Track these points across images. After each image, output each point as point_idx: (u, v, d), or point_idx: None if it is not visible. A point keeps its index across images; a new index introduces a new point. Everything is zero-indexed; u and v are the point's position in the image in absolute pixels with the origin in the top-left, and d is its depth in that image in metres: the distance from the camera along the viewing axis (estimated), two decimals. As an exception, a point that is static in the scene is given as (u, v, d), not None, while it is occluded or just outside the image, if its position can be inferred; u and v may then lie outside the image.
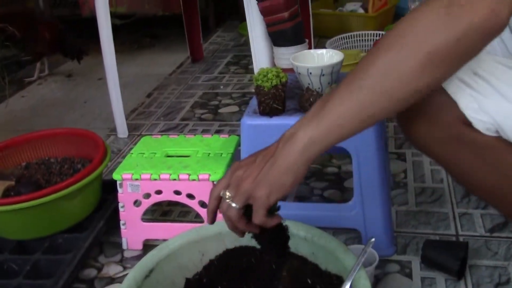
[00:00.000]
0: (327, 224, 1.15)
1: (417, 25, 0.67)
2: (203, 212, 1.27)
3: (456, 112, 0.80)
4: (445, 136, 0.82)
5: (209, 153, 1.32)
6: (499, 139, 0.80)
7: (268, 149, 0.76)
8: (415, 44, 0.67)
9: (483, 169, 0.84)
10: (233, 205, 0.75)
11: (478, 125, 0.79)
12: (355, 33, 2.41)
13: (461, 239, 1.25)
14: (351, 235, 1.27)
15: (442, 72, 0.68)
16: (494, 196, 0.92)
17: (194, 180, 1.23)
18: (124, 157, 1.32)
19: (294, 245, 1.04)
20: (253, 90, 1.31)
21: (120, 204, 1.29)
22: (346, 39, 2.40)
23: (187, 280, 1.03)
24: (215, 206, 0.79)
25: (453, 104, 0.80)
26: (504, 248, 1.21)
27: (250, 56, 1.63)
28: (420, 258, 1.18)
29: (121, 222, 1.31)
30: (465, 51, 0.67)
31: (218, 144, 1.36)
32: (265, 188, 0.72)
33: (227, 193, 0.76)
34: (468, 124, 0.80)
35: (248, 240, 1.04)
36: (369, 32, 2.41)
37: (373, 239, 0.95)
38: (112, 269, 1.27)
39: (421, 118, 0.83)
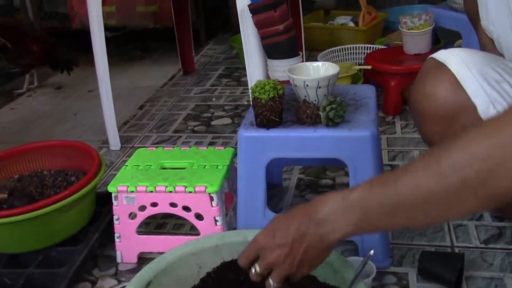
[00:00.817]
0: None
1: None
2: (199, 224, 1.26)
3: (474, 116, 0.80)
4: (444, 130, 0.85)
5: (205, 165, 1.32)
6: None
7: (298, 231, 0.74)
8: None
9: None
10: (271, 283, 0.80)
11: None
12: (346, 46, 2.44)
13: (456, 250, 1.26)
14: (347, 247, 1.27)
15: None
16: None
17: (190, 192, 1.23)
18: (116, 169, 1.31)
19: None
20: (246, 103, 1.34)
21: (115, 217, 1.28)
22: (338, 52, 2.43)
23: (185, 293, 1.03)
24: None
25: (472, 107, 0.80)
26: (499, 259, 1.22)
27: (242, 68, 1.64)
28: (416, 270, 1.19)
29: (116, 235, 1.29)
30: None
31: (214, 156, 1.36)
32: (307, 267, 0.78)
33: (258, 271, 0.79)
34: None
35: (245, 253, 1.05)
36: (360, 45, 2.43)
37: (372, 251, 0.95)
38: (107, 283, 1.25)
39: (438, 118, 0.84)
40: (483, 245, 1.26)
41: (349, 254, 1.23)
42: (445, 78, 0.83)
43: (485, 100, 0.79)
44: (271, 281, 0.80)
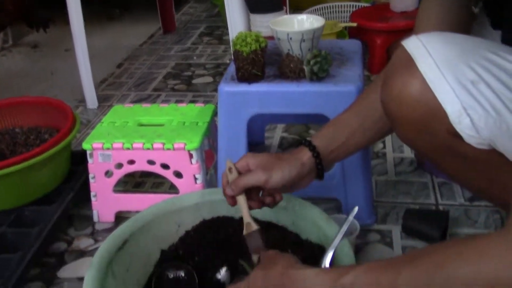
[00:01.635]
0: (307, 194, 1.12)
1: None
2: (178, 182, 1.23)
3: (446, 123, 0.71)
4: (434, 144, 0.77)
5: (184, 122, 1.27)
6: (492, 152, 0.72)
7: None
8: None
9: (472, 176, 0.81)
10: None
11: (470, 140, 0.71)
12: (331, 4, 2.37)
13: (441, 208, 1.24)
14: (331, 205, 1.25)
15: None
16: (483, 194, 0.91)
17: (169, 149, 1.19)
18: (94, 128, 1.26)
19: (274, 215, 1.02)
20: (228, 61, 1.28)
21: (90, 175, 1.24)
22: (323, 10, 2.36)
23: (163, 251, 1.00)
24: None
25: (444, 113, 0.71)
26: (483, 216, 1.20)
27: (224, 27, 1.58)
28: (400, 227, 1.17)
29: (92, 193, 1.26)
30: None
31: (194, 113, 1.31)
32: None
33: None
34: (458, 136, 0.72)
35: (226, 211, 1.02)
36: (346, 3, 2.37)
37: (356, 208, 0.92)
38: (83, 242, 1.22)
39: (410, 122, 0.76)
40: (467, 203, 1.25)
41: (332, 211, 1.20)
42: (414, 80, 0.73)
43: (456, 107, 0.69)
44: None
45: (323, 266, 0.83)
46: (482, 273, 0.55)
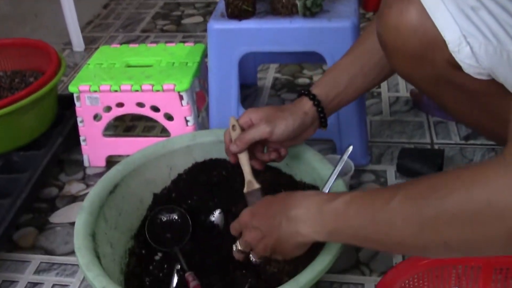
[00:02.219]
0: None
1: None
2: (169, 125, 1.21)
3: (445, 53, 0.69)
4: (433, 76, 0.76)
5: (174, 63, 1.24)
6: (491, 83, 0.71)
7: (273, 222, 0.72)
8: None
9: (471, 109, 0.79)
10: (252, 259, 0.82)
11: (469, 70, 0.70)
12: None
13: (436, 147, 1.23)
14: (325, 146, 1.23)
15: None
16: (480, 129, 0.90)
17: (158, 91, 1.16)
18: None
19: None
20: (218, 0, 1.22)
21: (78, 119, 1.22)
22: None
23: (155, 195, 0.99)
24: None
25: (443, 43, 0.69)
26: (479, 155, 1.19)
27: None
28: (395, 167, 1.16)
29: (81, 138, 1.24)
30: None
31: (183, 53, 1.28)
32: (281, 256, 0.76)
33: (240, 248, 0.79)
34: (457, 66, 0.71)
35: (218, 153, 1.00)
36: None
37: (350, 147, 0.90)
38: (74, 187, 1.21)
39: (408, 52, 0.75)
40: (463, 142, 1.24)
41: (327, 152, 1.19)
42: (411, 7, 0.71)
43: (456, 34, 0.67)
44: (251, 255, 0.81)
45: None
46: (474, 196, 0.53)
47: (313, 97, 0.88)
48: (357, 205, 0.64)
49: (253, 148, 0.88)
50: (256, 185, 0.86)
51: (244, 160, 0.87)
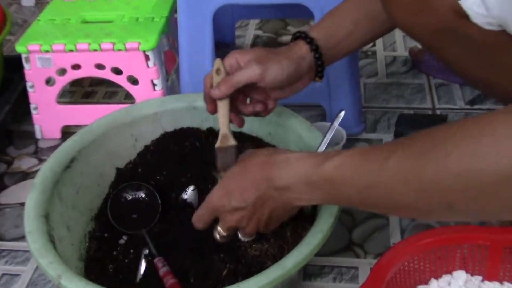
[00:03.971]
0: (284, 100, 1.09)
1: None
2: (133, 90, 1.20)
3: (450, 0, 0.70)
4: (436, 26, 0.76)
5: (138, 18, 1.23)
6: (501, 35, 0.71)
7: (258, 194, 0.71)
8: None
9: (478, 65, 0.79)
10: (244, 239, 0.81)
11: (477, 18, 0.71)
12: None
13: (438, 112, 1.24)
14: (313, 112, 1.23)
15: None
16: (489, 88, 0.90)
17: (120, 50, 1.15)
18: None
19: (247, 125, 0.98)
20: None
21: (28, 84, 1.20)
22: None
23: (118, 170, 0.99)
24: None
25: None
26: (486, 121, 1.20)
27: None
28: (393, 135, 1.16)
29: (32, 105, 1.23)
30: None
31: (149, 6, 1.27)
32: (276, 224, 0.77)
33: (224, 234, 0.78)
34: (464, 15, 0.71)
35: (190, 121, 0.99)
36: None
37: (342, 113, 0.90)
38: (25, 163, 1.20)
39: (409, 1, 0.75)
40: (468, 106, 1.25)
41: (315, 119, 1.19)
42: None
43: None
44: (240, 236, 0.80)
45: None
46: (482, 152, 0.51)
47: (310, 41, 0.86)
48: (348, 169, 0.63)
49: (235, 98, 0.85)
50: (232, 141, 0.84)
51: (223, 109, 0.83)
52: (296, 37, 0.87)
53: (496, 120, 0.52)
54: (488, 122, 0.52)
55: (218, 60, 0.84)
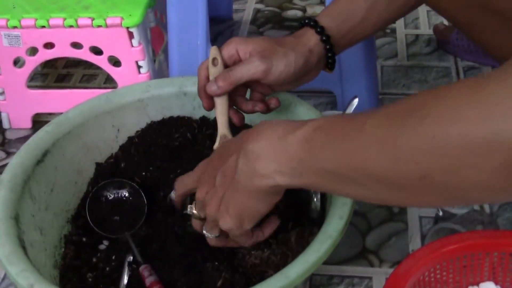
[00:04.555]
0: (290, 85, 1.11)
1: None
2: (115, 72, 1.22)
3: None
4: (464, 1, 0.77)
5: None
6: None
7: (228, 163, 0.70)
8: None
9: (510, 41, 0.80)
10: (209, 235, 0.78)
11: None
12: None
13: (466, 100, 1.25)
14: (323, 100, 1.25)
15: None
16: None
17: (100, 26, 1.16)
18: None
19: (249, 114, 1.00)
20: None
21: None
22: None
23: (98, 165, 1.00)
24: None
25: None
26: (522, 110, 1.21)
27: None
28: (414, 127, 1.17)
29: None
30: None
31: (133, -25, 1.28)
32: (233, 218, 0.72)
33: (194, 211, 0.78)
34: None
35: (180, 109, 1.01)
36: None
37: (356, 100, 0.92)
38: None
39: None
40: (501, 93, 1.26)
41: (325, 108, 1.20)
42: None
43: None
44: (204, 230, 0.78)
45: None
46: (465, 115, 0.50)
47: (320, 31, 0.87)
48: (326, 131, 0.63)
49: (234, 93, 0.87)
50: None
51: (222, 106, 0.85)
52: (304, 24, 0.88)
53: (488, 82, 0.50)
54: (478, 85, 0.51)
55: (214, 49, 0.85)
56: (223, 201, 0.71)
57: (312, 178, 0.65)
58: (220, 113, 0.85)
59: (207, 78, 0.85)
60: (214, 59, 0.84)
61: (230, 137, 0.85)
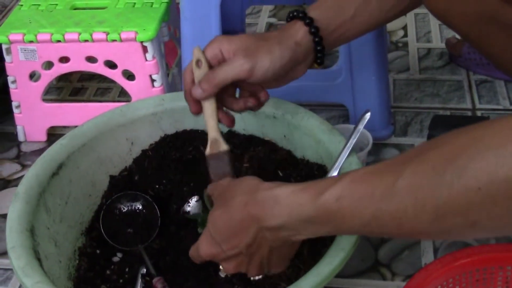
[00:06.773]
0: (302, 98, 1.10)
1: None
2: (129, 86, 1.22)
3: None
4: (476, 13, 0.77)
5: (134, 3, 1.26)
6: None
7: (250, 237, 0.71)
8: None
9: None
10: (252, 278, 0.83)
11: None
12: None
13: (479, 114, 1.25)
14: (334, 113, 1.25)
15: None
16: None
17: (114, 41, 1.17)
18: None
19: (258, 127, 1.01)
20: None
21: (10, 79, 1.23)
22: None
23: (112, 178, 1.01)
24: None
25: None
26: (534, 124, 1.20)
27: None
28: (426, 140, 1.17)
29: (14, 104, 1.25)
30: None
31: (147, -10, 1.29)
32: (282, 264, 0.78)
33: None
34: (510, 1, 0.73)
35: (194, 122, 1.01)
36: None
37: (368, 114, 0.91)
38: (7, 169, 1.23)
39: None
40: (513, 107, 1.26)
41: (336, 122, 1.20)
42: None
43: None
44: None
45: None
46: (506, 157, 0.51)
47: (309, 22, 0.84)
48: (351, 200, 0.62)
49: (222, 91, 0.84)
50: (224, 146, 0.84)
51: (209, 110, 0.84)
52: (293, 16, 0.86)
53: None
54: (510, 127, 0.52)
55: (197, 49, 0.83)
56: (266, 262, 0.75)
57: (342, 234, 0.73)
58: (209, 116, 0.84)
59: (193, 81, 0.83)
60: (198, 61, 0.83)
61: (221, 140, 0.84)
